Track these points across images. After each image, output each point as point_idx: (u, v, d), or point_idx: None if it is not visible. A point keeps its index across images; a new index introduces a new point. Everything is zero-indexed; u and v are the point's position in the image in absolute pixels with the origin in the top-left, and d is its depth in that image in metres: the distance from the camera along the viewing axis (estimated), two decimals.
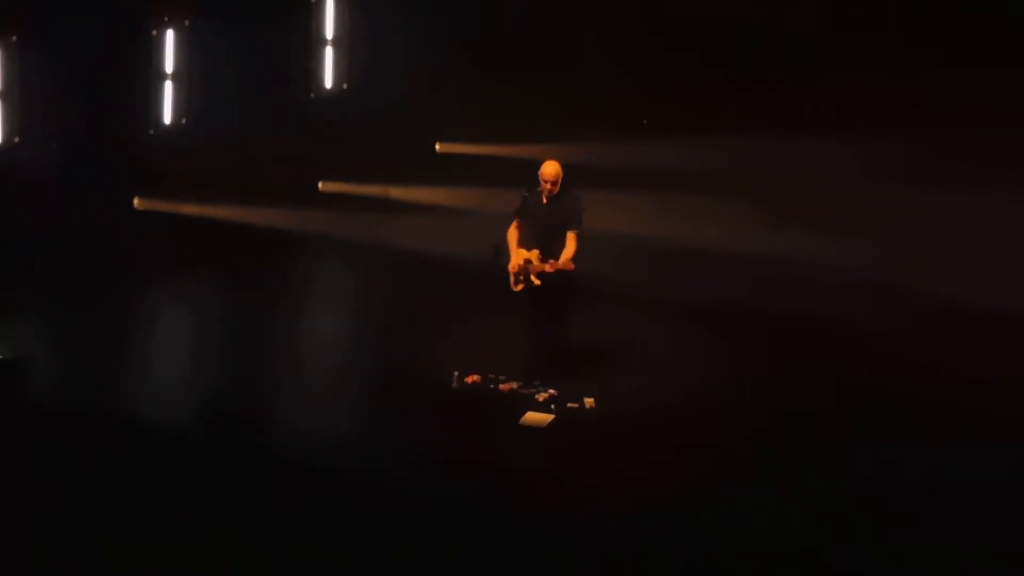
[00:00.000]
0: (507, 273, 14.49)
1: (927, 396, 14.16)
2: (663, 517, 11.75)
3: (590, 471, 12.77)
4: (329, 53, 20.91)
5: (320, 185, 20.16)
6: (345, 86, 21.09)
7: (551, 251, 14.39)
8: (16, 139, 17.04)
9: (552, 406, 14.23)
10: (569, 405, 14.23)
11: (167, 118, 18.61)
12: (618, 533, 11.49)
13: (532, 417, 14.05)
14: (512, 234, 14.57)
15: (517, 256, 14.44)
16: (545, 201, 14.47)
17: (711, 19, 21.26)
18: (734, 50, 21.07)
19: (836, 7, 21.35)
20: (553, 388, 14.41)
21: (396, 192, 20.26)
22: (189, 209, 18.55)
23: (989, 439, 13.13)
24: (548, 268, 14.28)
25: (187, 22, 18.57)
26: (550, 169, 14.46)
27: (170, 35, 18.46)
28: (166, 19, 18.38)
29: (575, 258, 14.32)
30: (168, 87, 18.57)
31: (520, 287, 14.43)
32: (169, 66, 18.51)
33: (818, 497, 12.10)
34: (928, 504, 11.93)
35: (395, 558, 11.17)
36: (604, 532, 11.51)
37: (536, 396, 14.37)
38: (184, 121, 18.74)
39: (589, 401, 14.26)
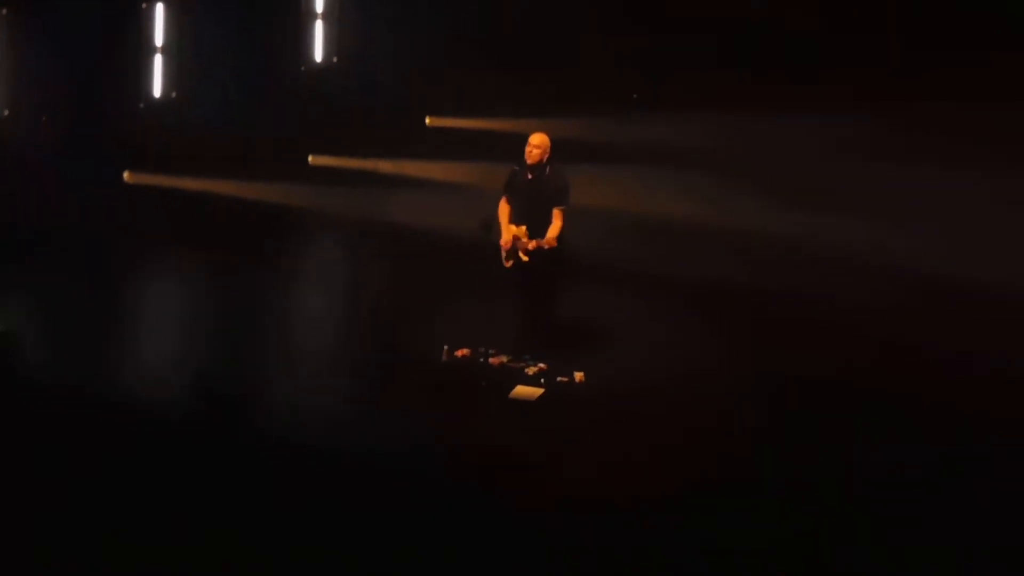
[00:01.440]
0: (498, 248, 14.51)
1: (927, 394, 13.97)
2: (660, 509, 11.65)
3: (583, 456, 12.70)
4: (319, 27, 20.89)
5: (310, 159, 20.15)
6: (335, 60, 21.08)
7: (535, 227, 14.37)
8: (5, 112, 17.02)
9: (542, 380, 14.26)
10: (559, 379, 14.26)
11: (157, 92, 18.61)
12: (612, 526, 11.42)
13: (522, 391, 14.09)
14: (503, 209, 14.57)
15: (507, 232, 14.45)
16: (530, 177, 14.46)
17: (711, 19, 21.33)
18: (734, 49, 21.12)
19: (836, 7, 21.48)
20: (543, 362, 14.46)
21: (385, 166, 20.26)
22: (179, 183, 18.55)
23: (989, 438, 12.99)
24: (531, 245, 14.28)
25: None
26: (537, 135, 14.48)
27: (160, 8, 18.44)
28: None
29: (562, 235, 14.32)
30: (158, 61, 18.57)
31: (510, 263, 14.45)
32: (159, 39, 18.50)
33: (818, 496, 12.02)
34: (928, 504, 11.81)
35: (384, 545, 11.13)
36: (599, 524, 11.44)
37: (526, 370, 14.40)
38: (174, 95, 18.73)
39: (579, 375, 14.29)
